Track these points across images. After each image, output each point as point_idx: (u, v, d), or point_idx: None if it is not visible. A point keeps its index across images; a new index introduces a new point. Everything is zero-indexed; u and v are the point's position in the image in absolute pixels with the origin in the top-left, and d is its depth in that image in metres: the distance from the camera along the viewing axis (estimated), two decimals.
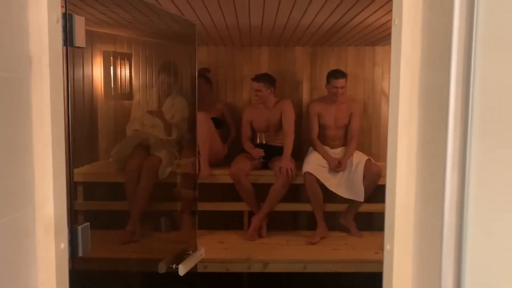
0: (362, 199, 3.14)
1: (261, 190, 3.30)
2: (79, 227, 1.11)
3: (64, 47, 1.08)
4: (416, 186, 1.01)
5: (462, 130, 0.81)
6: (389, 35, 1.06)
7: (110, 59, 2.05)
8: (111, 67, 2.04)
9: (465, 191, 0.82)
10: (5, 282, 0.93)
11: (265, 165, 3.43)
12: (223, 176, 3.31)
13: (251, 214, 3.34)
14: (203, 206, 3.15)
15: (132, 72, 2.06)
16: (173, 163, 2.17)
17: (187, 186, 2.22)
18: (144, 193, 2.10)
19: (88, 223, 1.14)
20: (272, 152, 3.43)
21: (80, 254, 1.12)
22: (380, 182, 3.11)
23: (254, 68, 3.92)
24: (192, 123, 2.16)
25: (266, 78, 3.37)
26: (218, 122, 3.58)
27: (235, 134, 3.68)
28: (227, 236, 3.29)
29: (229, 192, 3.37)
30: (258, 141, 3.51)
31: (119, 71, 2.06)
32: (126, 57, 2.11)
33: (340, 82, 3.28)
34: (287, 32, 3.21)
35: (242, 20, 2.79)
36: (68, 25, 1.07)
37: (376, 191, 3.13)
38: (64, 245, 1.05)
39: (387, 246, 1.10)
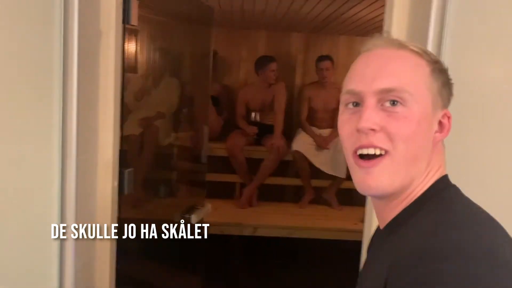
0: (344, 176, 3.47)
1: (253, 164, 3.60)
2: (126, 171, 1.39)
3: (123, 25, 1.33)
4: None
5: None
6: (379, 27, 1.31)
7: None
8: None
9: None
10: (74, 206, 1.20)
11: (258, 141, 3.73)
12: (219, 149, 3.58)
13: (243, 185, 3.64)
14: None
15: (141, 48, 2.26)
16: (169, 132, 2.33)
17: (194, 156, 2.46)
18: (147, 159, 2.30)
19: (133, 169, 1.41)
20: (265, 130, 3.71)
21: (126, 192, 1.39)
22: None
23: (252, 51, 4.16)
24: (204, 98, 2.39)
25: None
26: (215, 100, 3.83)
27: (227, 115, 3.96)
28: (220, 204, 3.58)
29: (224, 164, 3.65)
30: (252, 119, 3.78)
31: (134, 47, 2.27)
32: (133, 33, 2.34)
33: (325, 64, 3.57)
34: (286, 18, 3.46)
35: (247, 5, 3.03)
36: (127, 6, 1.32)
37: None
38: (116, 183, 1.33)
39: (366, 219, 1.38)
